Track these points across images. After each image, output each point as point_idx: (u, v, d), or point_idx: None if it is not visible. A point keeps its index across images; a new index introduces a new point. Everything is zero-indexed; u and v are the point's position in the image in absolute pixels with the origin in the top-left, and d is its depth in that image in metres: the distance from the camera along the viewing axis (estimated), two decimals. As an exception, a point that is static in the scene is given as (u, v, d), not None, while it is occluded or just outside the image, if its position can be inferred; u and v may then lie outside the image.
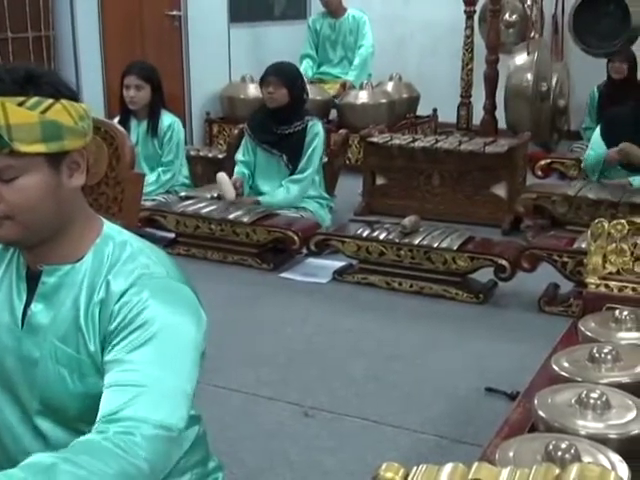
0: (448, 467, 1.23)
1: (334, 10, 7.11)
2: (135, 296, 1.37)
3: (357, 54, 7.09)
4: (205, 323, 1.43)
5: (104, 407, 1.29)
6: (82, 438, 1.25)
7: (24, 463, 1.18)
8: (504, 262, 3.79)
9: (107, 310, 1.39)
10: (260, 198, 4.69)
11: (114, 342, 1.36)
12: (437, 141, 5.31)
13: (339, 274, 4.16)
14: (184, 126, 5.33)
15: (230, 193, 4.57)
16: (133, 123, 4.88)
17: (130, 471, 1.21)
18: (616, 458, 1.49)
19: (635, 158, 4.49)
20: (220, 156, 5.42)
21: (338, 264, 4.23)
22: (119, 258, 1.43)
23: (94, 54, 6.35)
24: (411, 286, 3.98)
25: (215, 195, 4.80)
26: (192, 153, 5.48)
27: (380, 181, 5.39)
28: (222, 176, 4.62)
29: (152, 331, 1.34)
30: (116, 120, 4.72)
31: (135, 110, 4.85)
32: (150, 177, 4.69)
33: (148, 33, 6.61)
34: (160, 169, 4.89)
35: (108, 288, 1.40)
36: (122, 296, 1.38)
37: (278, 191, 4.71)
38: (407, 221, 4.06)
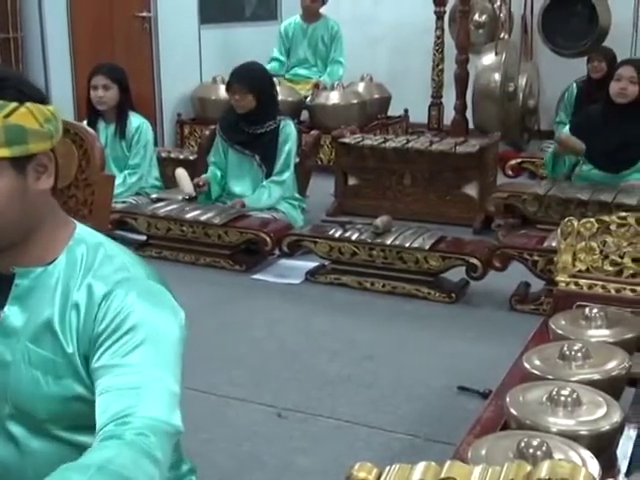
0: (420, 466, 1.23)
1: (311, 14, 7.10)
2: (119, 300, 1.37)
3: (332, 70, 7.09)
4: (184, 322, 1.44)
5: (108, 410, 1.28)
6: (101, 446, 1.22)
7: None
8: (476, 261, 3.81)
9: (90, 313, 1.38)
10: (245, 201, 4.68)
11: (104, 347, 1.35)
12: (408, 141, 5.33)
13: (312, 275, 4.16)
14: (155, 128, 5.31)
15: (188, 187, 4.59)
16: (101, 125, 4.85)
17: (154, 473, 1.21)
18: (587, 454, 1.51)
19: (572, 149, 4.52)
20: (191, 157, 5.39)
21: (311, 265, 4.23)
22: (94, 260, 1.42)
23: (63, 56, 6.30)
24: (383, 286, 3.99)
25: (187, 197, 4.79)
26: (163, 155, 5.44)
27: (352, 181, 5.40)
28: (180, 171, 4.65)
29: (142, 334, 1.34)
30: (84, 122, 4.69)
31: (103, 112, 4.82)
32: (117, 180, 4.65)
33: (118, 35, 6.57)
34: (126, 172, 4.85)
35: (90, 291, 1.39)
36: (105, 299, 1.37)
37: (261, 193, 4.69)
38: (379, 221, 4.07)
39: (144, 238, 4.53)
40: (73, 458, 1.27)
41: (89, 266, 1.42)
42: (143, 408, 1.27)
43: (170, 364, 1.35)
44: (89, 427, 1.34)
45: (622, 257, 2.39)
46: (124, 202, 4.70)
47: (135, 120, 4.88)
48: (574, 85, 6.26)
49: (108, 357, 1.34)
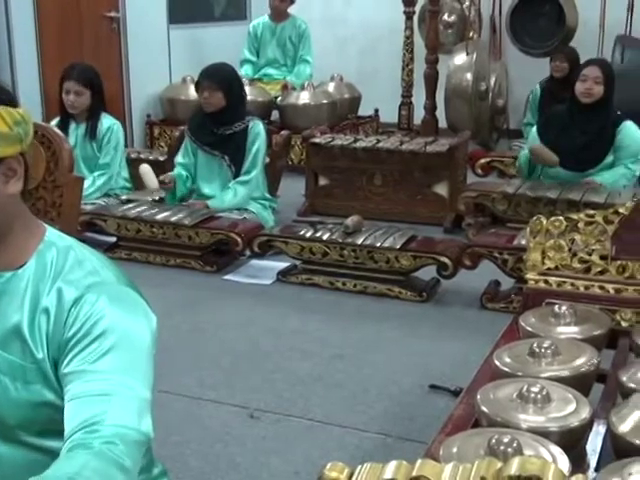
0: (392, 465, 1.24)
1: (279, 13, 7.10)
2: (90, 305, 1.35)
3: (299, 69, 7.09)
4: (156, 326, 1.43)
5: (76, 417, 1.27)
6: (69, 456, 1.21)
7: None
8: (446, 260, 3.83)
9: (60, 318, 1.36)
10: (209, 202, 4.66)
11: (73, 352, 1.34)
12: (379, 141, 5.34)
13: (283, 275, 4.16)
14: (124, 128, 5.28)
15: (153, 183, 4.58)
16: (72, 126, 4.81)
17: None
18: (557, 450, 1.52)
19: (544, 160, 4.58)
20: (161, 158, 5.37)
21: (282, 265, 4.23)
22: (64, 264, 1.41)
23: (30, 56, 6.24)
24: (355, 286, 3.99)
25: (156, 198, 4.77)
26: (133, 156, 5.42)
27: (323, 181, 5.41)
28: (144, 167, 4.64)
29: (112, 340, 1.33)
30: (54, 122, 4.66)
31: (75, 113, 4.79)
32: (86, 181, 4.61)
33: (86, 35, 6.52)
34: (96, 173, 4.82)
35: (60, 296, 1.37)
36: (75, 304, 1.36)
37: (225, 194, 4.68)
38: (350, 221, 4.08)
39: (114, 240, 4.50)
40: (43, 463, 1.26)
41: (59, 270, 1.40)
42: (112, 415, 1.26)
43: (141, 370, 1.34)
44: (59, 432, 1.32)
45: (590, 254, 2.41)
46: (93, 204, 4.67)
47: (106, 121, 4.84)
48: (537, 86, 6.33)
49: (77, 363, 1.33)
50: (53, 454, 1.27)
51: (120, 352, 1.33)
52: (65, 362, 1.34)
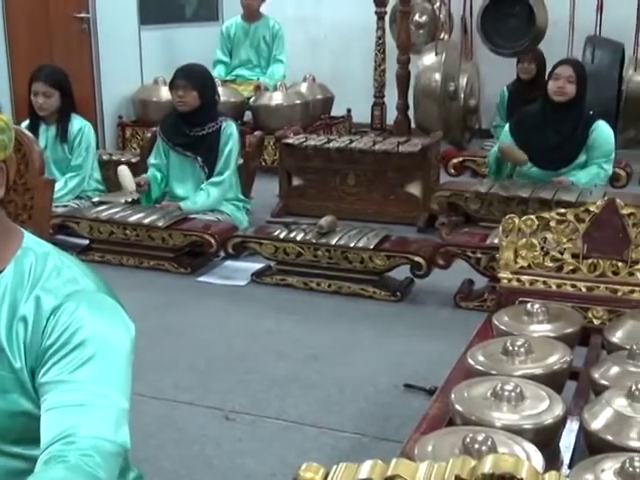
0: (367, 465, 1.24)
1: (251, 13, 7.08)
2: (69, 314, 1.34)
3: (272, 70, 7.08)
4: (134, 334, 1.42)
5: (53, 428, 1.26)
6: (46, 469, 1.21)
7: None
8: (420, 259, 3.85)
9: (38, 327, 1.35)
10: (181, 204, 4.64)
11: (51, 361, 1.33)
12: (352, 141, 5.35)
13: (257, 276, 4.15)
14: (96, 130, 5.24)
15: (131, 185, 4.55)
16: (42, 127, 4.77)
17: None
18: (531, 448, 1.53)
19: (514, 160, 4.62)
20: (133, 160, 5.34)
21: (256, 266, 4.22)
22: (42, 272, 1.39)
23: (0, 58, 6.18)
24: (329, 286, 4.00)
25: (129, 200, 4.74)
26: (104, 157, 5.38)
27: (296, 182, 5.41)
28: (123, 168, 4.61)
29: (91, 349, 1.32)
30: (24, 125, 4.62)
31: (44, 115, 4.75)
32: (58, 183, 4.57)
33: (56, 36, 6.47)
34: (68, 175, 4.78)
35: (38, 304, 1.35)
36: (54, 313, 1.34)
37: (198, 195, 4.67)
38: (324, 221, 4.08)
39: (86, 242, 4.47)
40: (20, 470, 1.25)
41: (37, 277, 1.38)
42: (88, 427, 1.26)
43: (119, 379, 1.34)
44: (35, 440, 1.31)
45: (562, 253, 2.43)
46: (65, 206, 4.63)
47: (77, 122, 4.81)
48: (505, 89, 6.39)
49: (55, 372, 1.32)
50: (29, 461, 1.26)
51: (99, 361, 1.32)
52: (43, 371, 1.33)
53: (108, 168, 5.26)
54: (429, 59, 6.55)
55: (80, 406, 1.27)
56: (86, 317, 1.34)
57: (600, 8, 6.30)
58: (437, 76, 6.45)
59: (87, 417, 1.26)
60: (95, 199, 4.80)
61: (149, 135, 5.22)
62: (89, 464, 1.21)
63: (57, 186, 4.53)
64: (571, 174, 4.61)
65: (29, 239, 1.45)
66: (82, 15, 6.55)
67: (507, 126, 4.86)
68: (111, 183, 5.21)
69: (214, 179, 4.68)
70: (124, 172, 4.59)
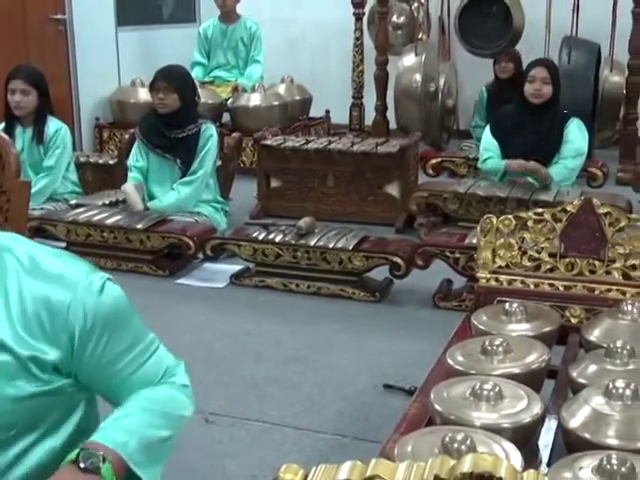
0: (346, 466, 1.24)
1: (228, 14, 7.06)
2: (82, 304, 1.38)
3: (250, 71, 7.07)
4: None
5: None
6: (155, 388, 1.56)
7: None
8: (398, 260, 3.85)
9: (57, 320, 1.36)
10: (149, 204, 4.62)
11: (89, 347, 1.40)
12: (330, 142, 5.35)
13: (236, 278, 4.14)
14: (73, 132, 5.22)
15: (138, 204, 4.52)
16: (18, 129, 4.74)
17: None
18: (510, 447, 1.53)
19: (539, 176, 4.64)
20: (111, 162, 5.31)
21: (235, 268, 4.21)
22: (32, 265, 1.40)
23: (-25, 59, 6.13)
24: (308, 287, 4.00)
25: (107, 202, 4.71)
26: (82, 159, 5.35)
27: (275, 183, 5.40)
28: (128, 187, 4.56)
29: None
30: (0, 127, 4.58)
31: (21, 116, 4.71)
32: (32, 185, 4.54)
33: (32, 37, 6.41)
34: (39, 175, 4.75)
35: (47, 300, 1.37)
36: (70, 306, 1.37)
37: (168, 194, 4.64)
38: (302, 222, 4.08)
39: (63, 245, 4.43)
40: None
41: (28, 271, 1.39)
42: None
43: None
44: (33, 427, 1.37)
45: (539, 252, 2.44)
46: (42, 209, 4.60)
47: (53, 124, 4.78)
48: (483, 89, 6.42)
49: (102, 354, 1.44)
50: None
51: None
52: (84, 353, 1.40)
53: (85, 170, 5.24)
54: (409, 60, 6.57)
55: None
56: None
57: (576, 9, 6.35)
58: (417, 77, 6.48)
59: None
60: (72, 202, 4.77)
61: (127, 137, 5.20)
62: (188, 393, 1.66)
63: (32, 188, 4.50)
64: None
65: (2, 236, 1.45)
66: (59, 17, 6.51)
67: (488, 127, 4.88)
68: (88, 186, 5.18)
69: (186, 178, 4.65)
70: (130, 190, 4.54)
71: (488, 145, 4.79)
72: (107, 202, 4.74)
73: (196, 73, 6.92)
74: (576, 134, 4.65)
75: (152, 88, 4.65)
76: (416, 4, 7.29)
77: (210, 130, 4.69)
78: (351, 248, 3.92)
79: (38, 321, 1.36)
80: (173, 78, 4.60)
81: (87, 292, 1.40)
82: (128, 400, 1.46)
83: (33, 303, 1.37)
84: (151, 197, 4.76)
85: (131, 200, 4.54)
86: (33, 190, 4.61)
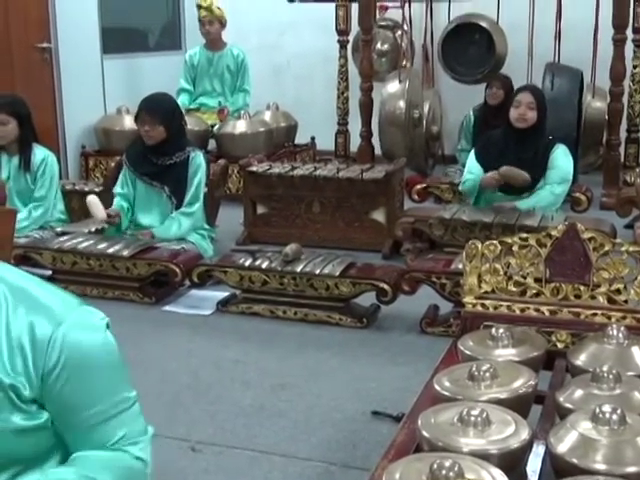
0: (335, 493, 1.23)
1: (213, 42, 7.09)
2: (64, 338, 1.40)
3: (236, 97, 7.10)
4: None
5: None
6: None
7: None
8: (385, 286, 3.86)
9: (37, 353, 1.38)
10: (154, 231, 4.62)
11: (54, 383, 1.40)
12: (316, 169, 5.37)
13: (223, 305, 4.14)
14: (59, 160, 5.21)
15: (101, 214, 4.52)
16: (4, 158, 4.73)
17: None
18: (498, 473, 1.54)
19: (515, 181, 4.67)
20: (97, 189, 5.29)
21: (222, 295, 4.20)
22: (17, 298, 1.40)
23: (-40, 87, 6.12)
24: (295, 313, 3.99)
25: (92, 230, 4.70)
26: (68, 187, 5.34)
27: (261, 210, 5.40)
28: (92, 198, 4.58)
29: None
30: (-15, 156, 4.58)
31: (5, 145, 4.71)
32: (21, 214, 4.53)
33: (17, 65, 6.42)
34: (31, 205, 4.74)
35: (32, 332, 1.38)
36: (50, 340, 1.38)
37: (171, 224, 4.64)
38: (289, 249, 4.08)
39: (49, 273, 4.42)
40: None
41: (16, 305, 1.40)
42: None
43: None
44: (17, 460, 1.38)
45: (525, 277, 2.45)
46: (27, 236, 4.58)
47: (40, 152, 4.78)
48: (471, 113, 6.46)
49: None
50: None
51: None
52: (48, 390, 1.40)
53: (71, 198, 5.23)
54: (393, 87, 6.62)
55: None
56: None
57: (558, 36, 6.42)
58: (401, 103, 6.52)
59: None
60: (58, 229, 4.76)
61: (113, 165, 5.20)
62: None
63: (20, 216, 4.48)
64: (523, 201, 4.68)
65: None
66: (44, 45, 6.52)
67: (472, 153, 4.91)
68: (74, 213, 5.17)
69: (185, 209, 4.66)
70: (94, 201, 4.56)
71: (472, 168, 4.81)
72: (93, 230, 4.72)
73: (182, 100, 6.94)
74: (562, 160, 4.68)
75: (137, 119, 4.65)
76: (400, 32, 7.36)
77: (199, 159, 4.69)
78: (338, 274, 3.92)
79: (21, 353, 1.36)
80: (158, 111, 4.59)
81: (73, 328, 1.39)
82: (70, 459, 1.44)
83: (19, 333, 1.36)
84: (137, 225, 4.76)
85: (93, 211, 4.55)
86: (28, 221, 4.67)
